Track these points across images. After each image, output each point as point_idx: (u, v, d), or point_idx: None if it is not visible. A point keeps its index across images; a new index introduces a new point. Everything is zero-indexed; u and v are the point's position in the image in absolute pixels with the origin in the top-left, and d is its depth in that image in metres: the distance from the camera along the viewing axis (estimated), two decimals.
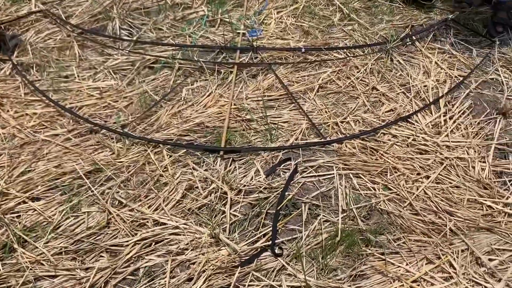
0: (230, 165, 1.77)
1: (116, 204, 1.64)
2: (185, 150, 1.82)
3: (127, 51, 2.30)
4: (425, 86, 2.12)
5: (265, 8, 2.62)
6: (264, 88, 2.12)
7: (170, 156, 1.80)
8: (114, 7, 2.56)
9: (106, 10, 2.54)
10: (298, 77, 2.19)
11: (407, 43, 2.37)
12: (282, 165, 1.76)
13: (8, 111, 1.99)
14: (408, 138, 1.86)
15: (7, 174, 1.71)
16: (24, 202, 1.63)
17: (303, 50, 2.30)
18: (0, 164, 1.75)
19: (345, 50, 2.32)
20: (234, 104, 2.03)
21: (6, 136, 1.87)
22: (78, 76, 2.17)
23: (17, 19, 2.47)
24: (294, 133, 1.90)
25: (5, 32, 2.36)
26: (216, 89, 2.11)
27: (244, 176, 1.72)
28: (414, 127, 1.92)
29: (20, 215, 1.59)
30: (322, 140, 1.85)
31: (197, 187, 1.69)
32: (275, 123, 1.95)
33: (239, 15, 2.56)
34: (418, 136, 1.87)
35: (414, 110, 1.99)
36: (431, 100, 2.03)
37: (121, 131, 1.89)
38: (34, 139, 1.87)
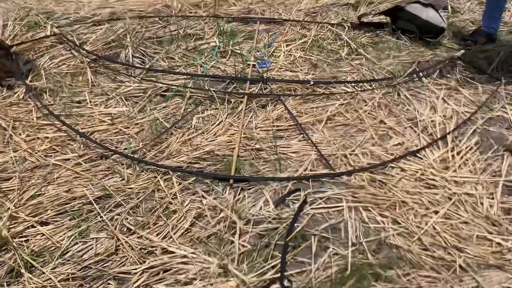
0: (239, 194, 1.78)
1: (125, 230, 1.63)
2: (194, 178, 1.83)
3: (139, 79, 2.34)
4: (432, 121, 2.15)
5: (274, 41, 2.69)
6: (273, 118, 2.15)
7: (180, 184, 1.81)
8: (128, 35, 2.62)
9: (120, 38, 2.60)
10: (306, 109, 2.22)
11: (414, 79, 2.42)
12: (291, 196, 1.77)
13: (20, 134, 2.01)
14: (417, 172, 1.87)
15: (17, 198, 1.71)
16: (33, 226, 1.63)
17: (311, 82, 2.35)
18: (10, 188, 1.76)
19: (353, 83, 2.37)
20: (244, 133, 2.06)
21: (17, 159, 1.89)
22: (90, 101, 2.20)
23: (31, 41, 2.52)
24: (303, 164, 1.91)
25: (19, 55, 2.40)
26: (226, 118, 2.14)
27: (253, 206, 1.72)
28: (422, 162, 1.93)
29: (28, 239, 1.59)
30: (331, 171, 1.86)
31: (206, 216, 1.69)
32: (284, 153, 1.96)
33: (249, 47, 2.62)
34: (426, 171, 1.88)
35: (422, 145, 2.01)
36: (438, 135, 2.06)
37: (132, 156, 1.90)
38: (45, 163, 1.88)
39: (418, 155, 1.96)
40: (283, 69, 2.49)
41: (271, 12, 2.96)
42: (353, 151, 1.99)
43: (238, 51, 2.57)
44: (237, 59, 2.52)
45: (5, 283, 1.44)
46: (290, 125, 2.12)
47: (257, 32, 2.74)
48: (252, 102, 2.24)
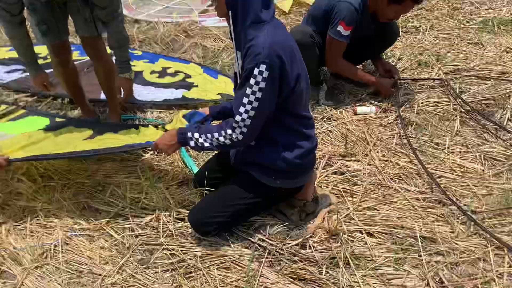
0: None
1: (437, 280, 1.62)
2: None
3: (507, 143, 2.21)
4: None
5: None
6: None
7: (511, 267, 1.64)
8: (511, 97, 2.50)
9: (502, 98, 2.51)
10: None
11: None
12: None
13: (377, 152, 2.27)
14: None
15: (357, 203, 1.96)
16: (361, 232, 1.83)
17: None
18: (355, 192, 2.03)
19: None
20: None
21: (368, 172, 2.15)
22: (448, 148, 2.25)
23: (416, 79, 2.77)
24: None
25: (401, 85, 2.68)
26: None
27: None
28: None
29: (353, 241, 1.80)
30: None
31: None
32: None
33: None
34: None
35: None
36: None
37: (470, 215, 1.85)
38: (389, 185, 2.06)
39: None
40: None
41: None
42: None
43: None
44: None
45: (324, 267, 1.70)
46: None
47: None
48: None
